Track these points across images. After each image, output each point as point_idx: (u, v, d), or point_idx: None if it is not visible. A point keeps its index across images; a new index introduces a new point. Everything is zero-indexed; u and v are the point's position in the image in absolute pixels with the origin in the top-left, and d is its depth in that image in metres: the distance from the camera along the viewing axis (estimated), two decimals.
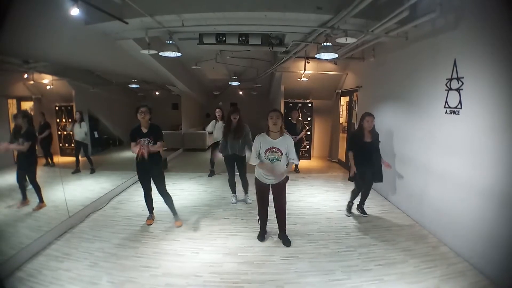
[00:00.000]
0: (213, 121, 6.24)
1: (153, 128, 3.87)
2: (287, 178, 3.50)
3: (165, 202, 4.12)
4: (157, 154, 3.97)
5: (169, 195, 4.11)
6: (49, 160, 5.19)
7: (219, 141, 5.67)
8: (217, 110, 6.23)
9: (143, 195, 4.10)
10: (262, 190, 3.51)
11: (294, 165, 3.37)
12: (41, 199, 4.07)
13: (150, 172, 3.97)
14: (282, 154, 3.26)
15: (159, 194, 4.05)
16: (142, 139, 3.76)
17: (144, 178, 4.00)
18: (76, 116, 5.60)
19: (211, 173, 6.64)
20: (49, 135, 5.17)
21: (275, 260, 3.25)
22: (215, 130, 6.13)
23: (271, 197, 3.56)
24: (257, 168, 3.41)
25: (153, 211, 4.24)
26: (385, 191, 5.30)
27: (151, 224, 4.10)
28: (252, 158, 3.33)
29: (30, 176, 3.99)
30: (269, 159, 3.26)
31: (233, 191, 5.04)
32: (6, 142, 3.79)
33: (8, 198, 3.98)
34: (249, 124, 4.79)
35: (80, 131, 5.67)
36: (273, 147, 3.24)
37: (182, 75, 8.65)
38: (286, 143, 3.28)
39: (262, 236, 3.70)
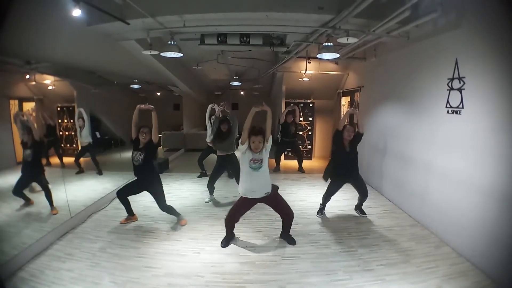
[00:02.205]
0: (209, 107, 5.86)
1: (149, 145, 3.83)
2: (276, 188, 3.48)
3: (168, 212, 4.11)
4: (152, 171, 3.97)
5: (170, 206, 4.09)
6: (60, 161, 5.31)
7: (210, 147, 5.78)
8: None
9: (120, 193, 4.05)
10: (244, 206, 3.46)
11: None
12: (52, 205, 4.06)
13: (148, 189, 3.97)
14: (263, 162, 3.24)
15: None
16: (134, 152, 3.79)
17: (135, 189, 4.03)
18: (79, 122, 5.52)
19: (201, 175, 6.59)
20: (57, 138, 5.21)
21: (277, 260, 3.25)
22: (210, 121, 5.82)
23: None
24: (241, 182, 3.34)
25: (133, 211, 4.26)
26: (386, 191, 5.30)
27: (124, 224, 4.13)
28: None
29: (40, 184, 4.00)
30: (254, 168, 3.21)
31: (211, 193, 5.13)
32: None
33: (10, 198, 3.99)
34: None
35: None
36: (255, 159, 3.22)
37: (183, 75, 8.67)
38: (267, 150, 3.27)
39: (226, 242, 3.57)
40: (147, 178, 3.91)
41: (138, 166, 3.80)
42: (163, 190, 4.02)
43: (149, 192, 3.98)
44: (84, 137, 5.56)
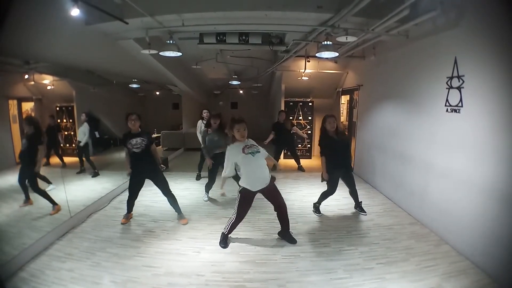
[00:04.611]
0: (199, 121, 6.31)
1: (143, 130, 3.98)
2: (274, 179, 3.48)
3: (170, 203, 4.18)
4: (152, 159, 4.04)
5: (174, 195, 4.18)
6: (61, 161, 5.33)
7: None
8: (205, 111, 6.28)
9: (128, 198, 4.11)
10: (248, 200, 3.44)
11: (274, 163, 3.82)
12: (53, 202, 4.06)
13: (151, 177, 4.05)
14: (257, 146, 3.34)
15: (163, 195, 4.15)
16: (134, 139, 3.84)
17: (139, 182, 4.06)
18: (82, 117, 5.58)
19: (198, 177, 6.56)
20: (57, 138, 5.20)
21: (277, 259, 3.25)
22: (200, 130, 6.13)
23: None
24: (244, 176, 3.33)
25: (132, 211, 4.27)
26: (386, 190, 5.30)
27: (125, 223, 4.12)
28: (227, 170, 3.32)
29: (30, 184, 3.96)
30: (250, 153, 3.24)
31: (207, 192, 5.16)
32: None
33: (10, 198, 3.99)
34: (249, 123, 4.83)
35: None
36: (246, 145, 3.28)
37: (182, 74, 8.64)
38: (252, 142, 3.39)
39: (225, 243, 3.55)
40: (149, 165, 3.99)
41: (139, 153, 3.85)
42: (163, 175, 4.14)
43: (152, 180, 4.06)
44: (84, 141, 5.58)
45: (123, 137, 3.90)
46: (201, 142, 5.20)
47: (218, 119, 4.89)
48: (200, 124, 6.23)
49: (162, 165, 4.17)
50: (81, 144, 5.55)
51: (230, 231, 3.55)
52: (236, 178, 4.82)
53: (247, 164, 3.25)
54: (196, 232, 3.89)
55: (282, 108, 8.35)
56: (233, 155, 3.28)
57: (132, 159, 3.91)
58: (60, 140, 5.46)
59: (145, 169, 3.98)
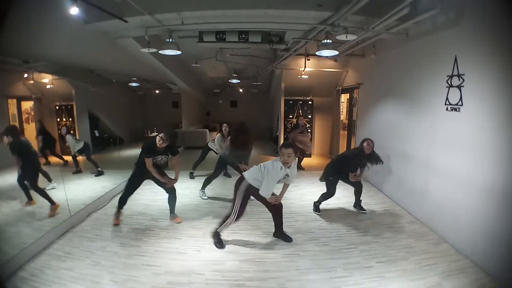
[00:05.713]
0: (219, 135, 6.04)
1: (168, 147, 3.92)
2: None
3: (169, 199, 4.14)
4: (164, 170, 4.08)
5: (175, 193, 4.15)
6: (61, 159, 5.32)
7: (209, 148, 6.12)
8: (224, 125, 6.10)
9: (124, 194, 4.05)
10: (249, 195, 3.43)
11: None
12: (51, 202, 4.04)
13: (154, 180, 4.01)
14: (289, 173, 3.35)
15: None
16: (159, 156, 3.87)
17: (140, 182, 4.06)
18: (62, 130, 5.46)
19: (192, 176, 6.50)
20: (53, 140, 5.18)
21: (277, 258, 3.25)
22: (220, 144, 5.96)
23: None
24: (256, 181, 3.32)
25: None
26: (386, 189, 5.31)
27: (118, 224, 4.08)
28: (269, 192, 3.25)
29: (30, 183, 3.95)
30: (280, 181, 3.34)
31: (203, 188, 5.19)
32: None
33: (9, 198, 3.98)
34: (249, 121, 4.86)
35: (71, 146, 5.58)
36: (286, 174, 3.29)
37: (182, 73, 8.64)
38: (292, 171, 3.35)
39: (221, 242, 3.51)
40: (159, 173, 4.00)
41: (159, 165, 3.97)
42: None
43: (156, 182, 4.05)
44: (77, 148, 5.54)
45: (147, 149, 3.81)
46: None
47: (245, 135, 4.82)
48: (219, 138, 5.98)
49: (171, 180, 4.04)
50: (76, 153, 5.51)
51: (225, 229, 3.54)
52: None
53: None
54: (196, 231, 3.89)
55: (282, 106, 8.46)
56: (275, 176, 3.21)
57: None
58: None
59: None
